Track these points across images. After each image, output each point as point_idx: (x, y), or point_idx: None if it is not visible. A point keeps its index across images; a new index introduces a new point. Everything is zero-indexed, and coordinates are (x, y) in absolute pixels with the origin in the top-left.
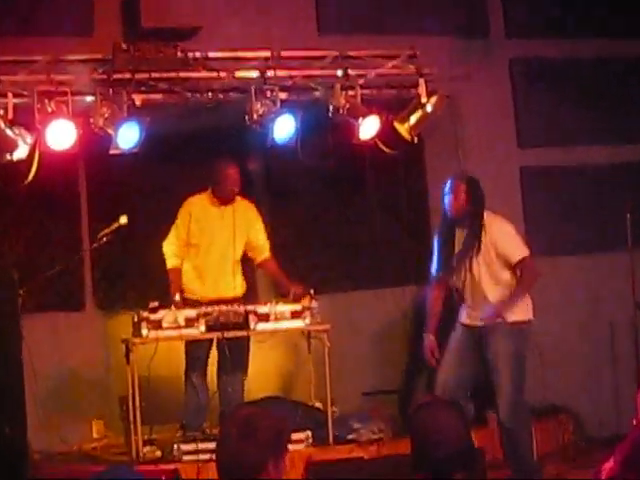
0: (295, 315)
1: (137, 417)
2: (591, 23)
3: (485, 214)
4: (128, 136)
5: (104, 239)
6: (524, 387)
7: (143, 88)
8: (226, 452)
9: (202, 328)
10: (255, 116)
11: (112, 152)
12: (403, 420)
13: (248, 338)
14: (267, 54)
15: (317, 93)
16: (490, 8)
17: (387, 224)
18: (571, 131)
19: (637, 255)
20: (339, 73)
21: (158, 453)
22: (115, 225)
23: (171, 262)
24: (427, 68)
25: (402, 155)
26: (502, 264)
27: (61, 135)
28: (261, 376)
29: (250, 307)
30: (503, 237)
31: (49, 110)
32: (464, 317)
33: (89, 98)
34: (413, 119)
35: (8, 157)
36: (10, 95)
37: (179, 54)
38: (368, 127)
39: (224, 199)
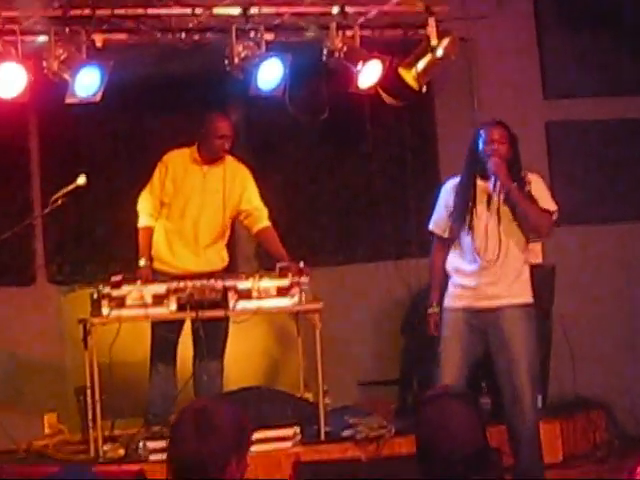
0: (282, 292)
1: (96, 410)
2: None
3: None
4: (87, 82)
5: (58, 202)
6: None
7: (105, 26)
8: (183, 451)
9: (173, 307)
10: (236, 60)
11: (68, 101)
12: (405, 415)
13: (227, 318)
14: None
15: (309, 34)
16: None
17: (389, 188)
18: (606, 79)
19: None
20: (335, 10)
21: (121, 451)
22: (72, 186)
23: (142, 221)
24: (438, 5)
25: (408, 107)
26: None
27: (9, 81)
28: (241, 362)
29: (229, 282)
30: (541, 186)
31: None
32: (465, 298)
33: (42, 38)
34: (421, 65)
35: None
36: None
37: None
38: (368, 74)
39: (210, 157)
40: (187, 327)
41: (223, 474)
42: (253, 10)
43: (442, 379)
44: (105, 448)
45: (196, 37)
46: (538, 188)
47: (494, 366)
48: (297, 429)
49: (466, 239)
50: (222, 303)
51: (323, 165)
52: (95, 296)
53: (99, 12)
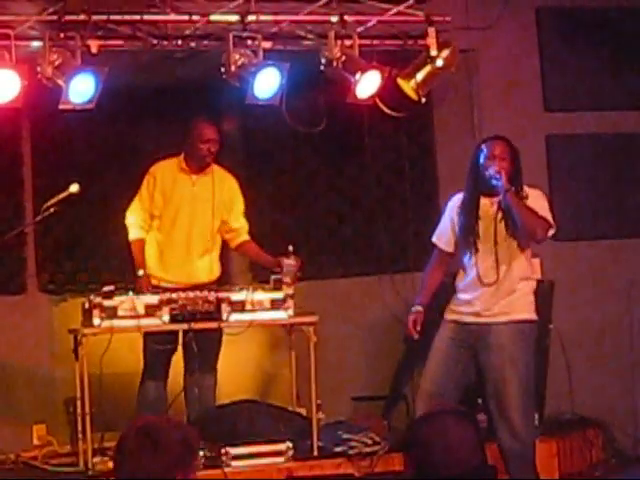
0: (276, 305)
1: (86, 422)
2: None
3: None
4: (82, 89)
5: (51, 210)
6: (532, 399)
7: (100, 32)
8: (127, 467)
9: (165, 318)
10: (233, 68)
11: (62, 107)
12: (399, 431)
13: (220, 331)
14: None
15: (307, 43)
16: None
17: (386, 199)
18: (606, 93)
19: None
20: (334, 19)
21: (110, 464)
22: (64, 194)
23: (133, 233)
24: (438, 15)
25: (407, 118)
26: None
27: (2, 86)
28: (234, 375)
29: (223, 294)
30: (540, 200)
31: None
32: (458, 312)
33: (36, 43)
34: (420, 76)
35: None
36: None
37: None
38: (367, 84)
39: (197, 166)
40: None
41: None
42: (251, 18)
43: (422, 380)
44: (94, 461)
45: (193, 44)
46: (537, 202)
47: (484, 383)
48: (290, 444)
49: (467, 258)
50: (215, 315)
51: (320, 176)
52: (86, 306)
53: (94, 17)
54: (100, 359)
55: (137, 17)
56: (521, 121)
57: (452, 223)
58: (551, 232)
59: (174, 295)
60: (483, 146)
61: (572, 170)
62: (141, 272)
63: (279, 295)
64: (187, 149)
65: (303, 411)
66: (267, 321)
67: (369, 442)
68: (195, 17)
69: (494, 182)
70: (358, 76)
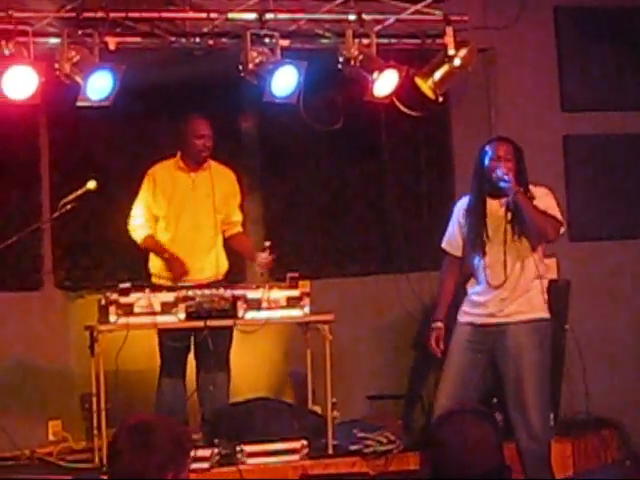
0: (292, 303)
1: (102, 418)
2: None
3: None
4: (99, 86)
5: (68, 207)
6: (549, 399)
7: (118, 30)
8: (119, 465)
9: (181, 315)
10: (251, 66)
11: (80, 104)
12: (414, 430)
13: (231, 328)
14: None
15: (325, 41)
16: None
17: (403, 198)
18: (624, 93)
19: None
20: (352, 17)
21: None
22: (81, 191)
23: (142, 232)
24: (456, 15)
25: (424, 117)
26: (542, 250)
27: (20, 83)
28: (249, 373)
29: (239, 291)
30: (547, 198)
31: (6, 53)
32: (473, 314)
33: (54, 40)
34: (438, 75)
35: None
36: None
37: None
38: (384, 83)
39: (194, 163)
40: None
41: None
42: (269, 16)
43: (438, 393)
44: None
45: (210, 42)
46: (545, 201)
47: (502, 383)
48: (304, 442)
49: (476, 261)
50: (231, 312)
51: (336, 174)
52: (103, 303)
53: (113, 15)
54: (116, 356)
55: (155, 14)
56: (538, 121)
57: (460, 227)
58: (562, 230)
59: (190, 292)
60: (487, 148)
61: (589, 170)
62: (167, 254)
63: (295, 293)
64: (183, 147)
65: (318, 409)
66: (283, 319)
67: (384, 441)
68: (213, 15)
69: (502, 184)
70: (376, 75)
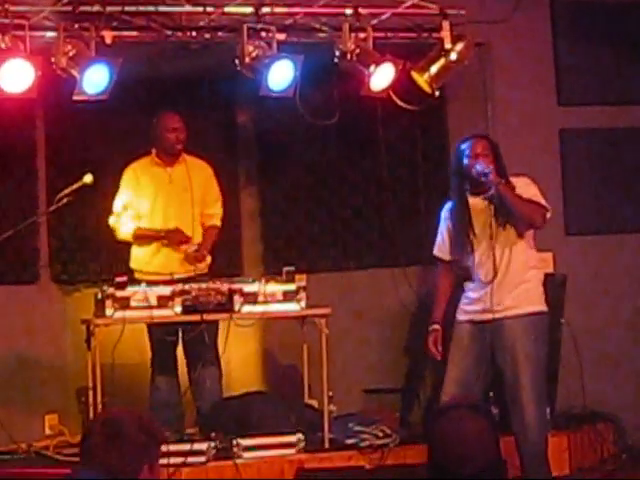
0: (288, 297)
1: (98, 411)
2: None
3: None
4: (95, 80)
5: (64, 201)
6: (545, 393)
7: (115, 23)
8: (94, 461)
9: (177, 309)
10: (247, 60)
11: (76, 98)
12: (410, 424)
13: (216, 323)
14: None
15: (321, 35)
16: None
17: (400, 192)
18: (620, 87)
19: None
20: (348, 11)
21: None
22: (78, 184)
23: (129, 227)
24: (453, 9)
25: (420, 111)
26: (532, 241)
27: (16, 76)
28: (246, 367)
29: (235, 285)
30: (528, 187)
31: (2, 47)
32: (470, 312)
33: (50, 34)
34: (434, 69)
35: None
36: None
37: None
38: (381, 77)
39: (169, 157)
40: None
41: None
42: (265, 10)
43: (442, 394)
44: None
45: (207, 36)
46: (527, 190)
47: (500, 377)
48: (301, 436)
49: (468, 260)
50: (227, 306)
51: (333, 168)
52: (99, 296)
53: (109, 8)
54: (112, 349)
55: (152, 8)
56: (534, 115)
57: (448, 232)
58: (548, 215)
59: (186, 286)
60: (463, 146)
61: (585, 164)
62: (163, 232)
63: (291, 287)
64: (156, 143)
65: (315, 403)
66: (279, 313)
67: (380, 434)
68: (209, 9)
69: (483, 178)
70: (372, 69)
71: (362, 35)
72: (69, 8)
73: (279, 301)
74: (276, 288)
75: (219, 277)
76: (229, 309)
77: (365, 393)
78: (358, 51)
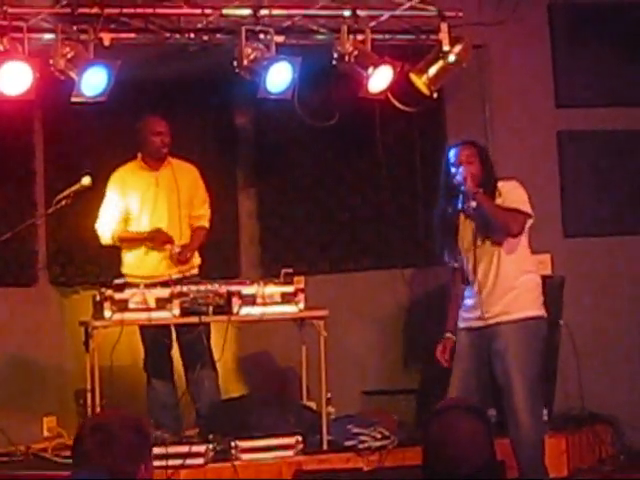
0: (286, 299)
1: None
2: None
3: (499, 183)
4: (94, 82)
5: (62, 203)
6: (540, 397)
7: (113, 25)
8: (88, 465)
9: (176, 311)
10: (245, 62)
11: (74, 100)
12: (408, 426)
13: (208, 325)
14: None
15: (320, 37)
16: None
17: (398, 194)
18: (619, 89)
19: None
20: (346, 13)
21: None
22: (76, 187)
23: (113, 232)
24: (451, 11)
25: (418, 113)
26: (525, 246)
27: (15, 78)
28: (244, 369)
29: (233, 287)
30: (513, 191)
31: (1, 49)
32: (467, 319)
33: (48, 36)
34: (433, 71)
35: None
36: None
37: None
38: (379, 79)
39: (155, 161)
40: None
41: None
42: (263, 12)
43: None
44: None
45: (205, 38)
46: (512, 194)
47: (495, 382)
48: (299, 438)
49: (464, 266)
50: (226, 308)
51: (331, 170)
52: (97, 299)
53: (107, 11)
54: (111, 351)
55: (150, 10)
56: (532, 117)
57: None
58: (529, 222)
59: (185, 288)
60: (449, 154)
61: (583, 166)
62: (146, 234)
63: (290, 289)
64: (142, 147)
65: (313, 405)
66: (277, 315)
67: (378, 436)
68: (208, 11)
69: (462, 189)
70: (370, 71)
71: (360, 37)
72: (67, 10)
73: (277, 303)
74: (274, 290)
75: (217, 279)
76: (227, 311)
77: (364, 395)
78: (356, 53)
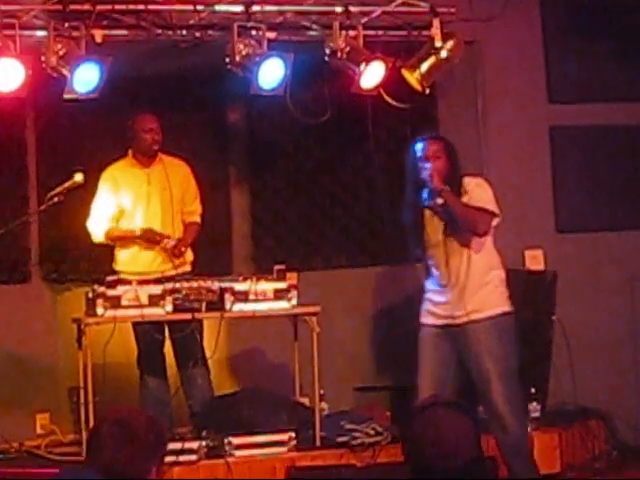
0: (279, 295)
1: (89, 411)
2: None
3: (464, 180)
4: (86, 78)
5: (55, 200)
6: (519, 391)
7: (105, 22)
8: (101, 459)
9: (169, 307)
10: (237, 58)
11: (66, 97)
12: (402, 422)
13: (200, 323)
14: None
15: (312, 33)
16: None
17: (390, 190)
18: (611, 84)
19: None
20: (338, 9)
21: None
22: (69, 183)
23: (104, 229)
24: (443, 7)
25: (411, 109)
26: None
27: (6, 76)
28: (237, 365)
29: (226, 283)
30: (479, 190)
31: None
32: (434, 314)
33: (40, 33)
34: (425, 67)
35: None
36: None
37: None
38: (371, 75)
39: (146, 158)
40: None
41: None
42: (255, 8)
43: (419, 391)
44: None
45: (197, 34)
46: (478, 192)
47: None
48: (292, 434)
49: (428, 261)
50: (218, 304)
51: (323, 166)
52: (90, 295)
53: (99, 7)
54: (104, 348)
55: (142, 7)
56: (525, 113)
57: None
58: (496, 221)
59: (177, 285)
60: (415, 149)
61: (576, 162)
62: (137, 231)
63: (282, 285)
64: (133, 144)
65: (306, 401)
66: (270, 311)
67: (372, 433)
68: (199, 7)
69: (428, 185)
70: (362, 67)
71: (352, 33)
72: (59, 7)
73: (270, 299)
74: (267, 286)
75: (209, 275)
76: (220, 308)
77: (356, 391)
78: (348, 49)
